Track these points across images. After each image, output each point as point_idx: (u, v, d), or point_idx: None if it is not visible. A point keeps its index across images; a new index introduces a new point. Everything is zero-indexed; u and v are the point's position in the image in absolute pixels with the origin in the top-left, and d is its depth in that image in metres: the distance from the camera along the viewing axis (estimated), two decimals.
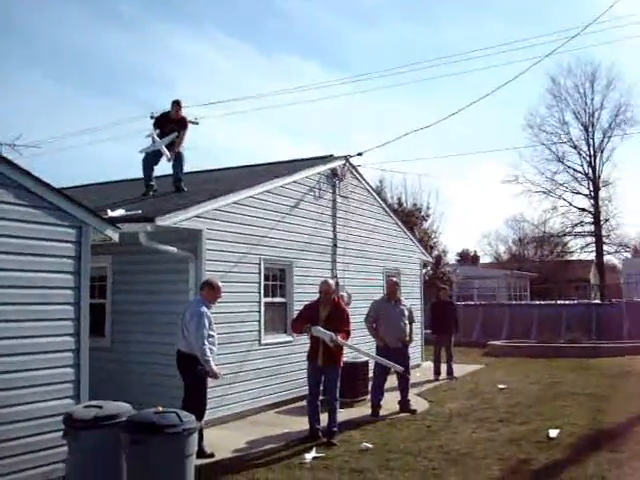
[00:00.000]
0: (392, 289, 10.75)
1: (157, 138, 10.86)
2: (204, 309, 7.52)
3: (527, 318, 25.59)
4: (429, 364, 15.59)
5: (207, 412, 7.82)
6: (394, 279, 11.33)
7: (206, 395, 7.72)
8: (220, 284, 7.95)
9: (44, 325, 6.30)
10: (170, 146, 10.87)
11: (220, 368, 7.78)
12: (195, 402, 7.33)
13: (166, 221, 8.56)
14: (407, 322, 10.51)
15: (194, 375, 7.47)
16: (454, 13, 66.05)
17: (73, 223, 6.65)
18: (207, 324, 7.44)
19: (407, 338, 10.50)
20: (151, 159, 11.06)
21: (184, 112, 11.31)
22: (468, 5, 65.40)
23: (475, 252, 56.10)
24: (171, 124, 11.00)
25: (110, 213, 9.02)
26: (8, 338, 5.95)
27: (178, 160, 11.05)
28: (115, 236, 7.26)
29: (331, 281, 9.20)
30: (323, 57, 68.39)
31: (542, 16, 59.39)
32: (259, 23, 64.15)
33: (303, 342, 11.62)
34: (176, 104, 11.01)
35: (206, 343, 7.37)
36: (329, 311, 8.65)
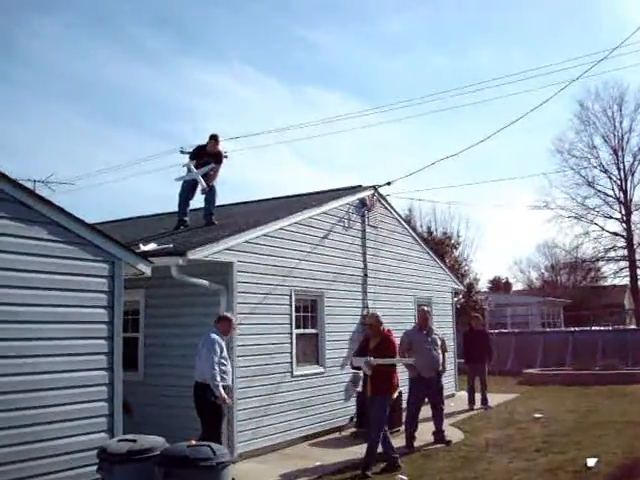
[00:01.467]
0: (424, 318, 10.69)
1: (193, 168, 11.04)
2: (216, 336, 7.78)
3: (561, 345, 25.17)
4: (463, 394, 15.37)
5: (239, 445, 7.81)
6: (425, 308, 11.26)
7: (220, 425, 7.80)
8: (234, 318, 8.29)
9: (78, 360, 6.39)
10: (204, 177, 11.02)
11: (248, 401, 7.81)
12: (211, 431, 7.45)
13: (197, 254, 8.64)
14: (440, 351, 10.43)
15: (207, 403, 7.60)
16: (479, 41, 66.28)
17: (107, 258, 6.76)
18: (219, 351, 7.68)
19: (440, 368, 10.41)
20: (188, 193, 11.18)
21: (220, 147, 11.49)
22: (492, 33, 65.60)
23: (507, 279, 55.52)
24: (207, 157, 11.14)
25: (142, 247, 9.12)
26: (42, 373, 6.04)
27: (211, 194, 11.19)
28: (147, 270, 7.35)
29: (378, 313, 9.23)
30: (347, 87, 68.97)
31: (565, 42, 59.37)
32: (282, 55, 65.00)
33: (335, 374, 11.62)
34: (213, 138, 11.21)
35: (216, 368, 7.56)
36: (377, 342, 8.70)
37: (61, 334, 6.23)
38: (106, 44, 56.35)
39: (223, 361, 7.73)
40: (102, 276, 6.71)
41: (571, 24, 62.40)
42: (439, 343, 10.48)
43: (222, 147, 11.56)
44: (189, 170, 11.13)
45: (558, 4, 62.15)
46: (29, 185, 22.50)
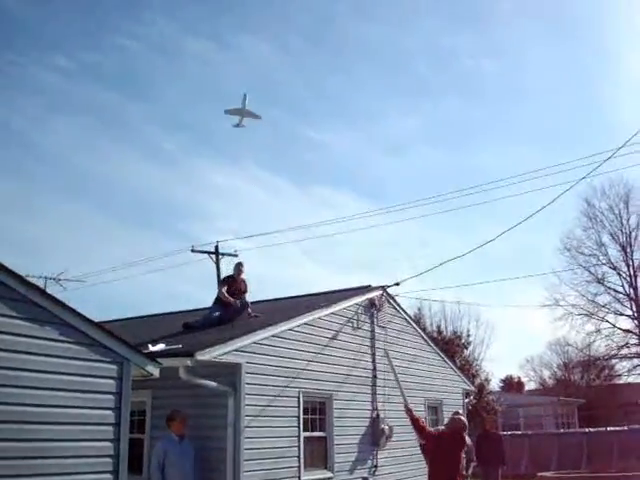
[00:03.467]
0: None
1: (227, 295, 11.50)
2: (157, 446, 8.89)
3: (576, 447, 24.53)
4: None
5: None
6: (463, 419, 11.19)
7: None
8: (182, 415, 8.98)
9: (85, 462, 6.30)
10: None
11: None
12: None
13: (205, 355, 8.63)
14: (464, 456, 10.19)
15: None
16: (483, 140, 67.86)
17: (115, 359, 6.77)
18: (155, 462, 8.80)
19: (463, 473, 10.13)
20: (215, 323, 11.40)
21: (244, 275, 12.04)
22: (497, 132, 67.22)
23: (519, 378, 54.61)
24: (236, 287, 11.73)
25: (151, 348, 9.14)
26: (50, 475, 5.96)
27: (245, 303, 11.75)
28: (156, 372, 7.34)
29: (464, 418, 9.38)
30: (356, 186, 70.17)
31: (570, 141, 60.64)
32: (292, 155, 66.57)
33: (344, 478, 11.32)
34: (238, 266, 12.12)
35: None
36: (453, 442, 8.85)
37: (69, 435, 6.18)
38: (120, 144, 57.98)
39: (168, 469, 8.68)
40: (110, 377, 6.70)
41: (576, 121, 63.99)
42: (464, 448, 10.28)
43: (245, 275, 12.13)
44: (216, 303, 11.62)
45: (561, 102, 63.97)
46: (41, 282, 22.80)
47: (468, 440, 10.66)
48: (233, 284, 11.75)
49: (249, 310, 11.51)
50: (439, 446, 8.99)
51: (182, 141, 61.76)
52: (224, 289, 11.56)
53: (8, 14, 46.61)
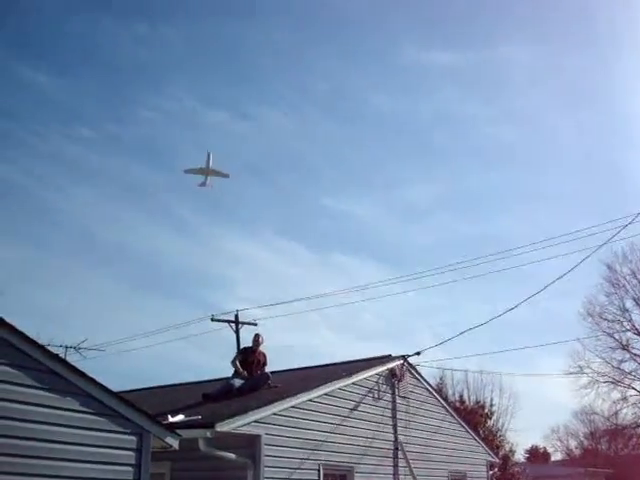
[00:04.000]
0: None
1: (237, 363, 11.51)
2: None
3: None
4: None
5: None
6: None
7: None
8: None
9: None
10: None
11: None
12: None
13: (225, 427, 8.57)
14: None
15: None
16: (502, 206, 67.94)
17: (134, 430, 6.75)
18: None
19: None
20: (230, 394, 11.27)
21: (263, 346, 11.98)
22: (515, 196, 67.35)
23: (545, 448, 53.15)
24: (254, 356, 11.69)
25: (170, 419, 9.08)
26: None
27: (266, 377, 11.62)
28: (175, 443, 7.30)
29: None
30: (374, 253, 70.08)
31: (590, 205, 60.53)
32: (310, 223, 66.88)
33: None
34: (256, 338, 11.97)
35: None
36: None
37: None
38: (136, 212, 58.70)
39: None
40: (130, 449, 6.67)
41: (595, 186, 64.02)
42: None
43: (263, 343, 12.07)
44: (235, 374, 11.50)
45: (580, 167, 64.24)
46: (61, 351, 22.86)
47: None
48: (251, 355, 11.72)
49: (269, 382, 11.43)
50: None
51: (200, 209, 62.47)
52: (238, 360, 11.57)
53: (31, 85, 48.14)
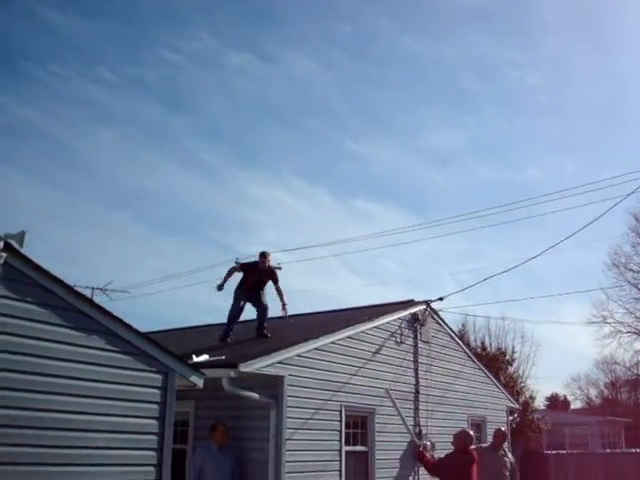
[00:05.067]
0: (501, 439, 10.45)
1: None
2: (196, 456, 9.20)
3: (623, 468, 23.83)
4: None
5: None
6: (503, 429, 11.05)
7: None
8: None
9: (128, 470, 6.36)
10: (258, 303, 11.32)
11: None
12: None
13: (249, 367, 8.66)
14: (508, 474, 10.06)
15: None
16: (529, 153, 66.93)
17: (160, 369, 6.84)
18: (193, 473, 9.09)
19: None
20: (237, 314, 11.31)
21: (272, 262, 11.48)
22: (544, 146, 66.31)
23: (565, 397, 53.54)
24: (258, 274, 11.21)
25: (195, 358, 9.20)
26: None
27: (264, 310, 11.32)
28: (200, 382, 7.40)
29: (469, 431, 10.12)
30: (396, 199, 69.63)
31: (617, 153, 59.45)
32: (333, 167, 66.37)
33: None
34: (263, 256, 11.25)
35: None
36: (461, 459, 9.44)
37: (113, 444, 6.25)
38: (161, 155, 58.63)
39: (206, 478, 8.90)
40: (155, 387, 6.77)
41: (621, 134, 62.81)
42: (509, 466, 10.16)
43: (272, 261, 11.52)
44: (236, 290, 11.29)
45: (606, 115, 62.93)
46: (87, 292, 23.13)
47: (511, 458, 10.50)
48: (253, 272, 11.19)
49: (285, 310, 11.25)
50: (445, 472, 10.04)
51: (222, 152, 62.23)
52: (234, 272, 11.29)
53: (52, 27, 47.75)
